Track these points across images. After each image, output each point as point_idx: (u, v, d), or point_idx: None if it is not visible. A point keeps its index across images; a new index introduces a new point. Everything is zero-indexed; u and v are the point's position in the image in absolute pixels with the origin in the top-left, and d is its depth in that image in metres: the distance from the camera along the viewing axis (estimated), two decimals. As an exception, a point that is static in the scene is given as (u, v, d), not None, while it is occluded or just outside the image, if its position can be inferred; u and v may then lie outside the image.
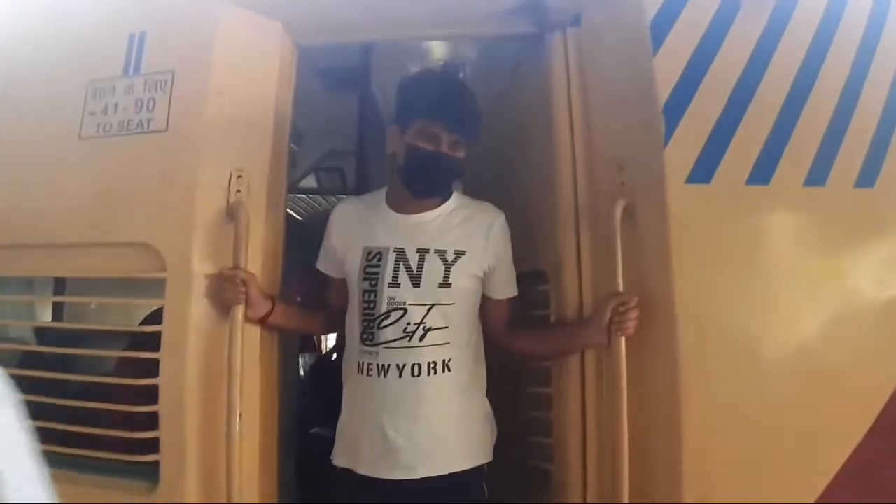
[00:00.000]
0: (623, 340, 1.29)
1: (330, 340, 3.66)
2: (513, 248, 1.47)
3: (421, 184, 1.36)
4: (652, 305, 1.31)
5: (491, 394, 1.44)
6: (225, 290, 1.33)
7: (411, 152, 1.34)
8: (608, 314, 1.30)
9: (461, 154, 1.36)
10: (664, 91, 1.35)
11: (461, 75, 2.29)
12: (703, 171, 1.33)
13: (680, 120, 1.34)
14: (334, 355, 3.07)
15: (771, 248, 1.37)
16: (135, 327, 1.45)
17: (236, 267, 1.34)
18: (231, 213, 1.37)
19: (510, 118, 1.84)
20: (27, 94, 1.56)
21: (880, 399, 1.34)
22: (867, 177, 1.40)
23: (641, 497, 1.28)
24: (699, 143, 1.33)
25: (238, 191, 1.40)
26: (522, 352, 1.51)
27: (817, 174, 1.37)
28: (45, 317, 1.67)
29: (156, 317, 1.43)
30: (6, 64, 1.60)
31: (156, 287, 1.40)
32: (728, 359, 1.31)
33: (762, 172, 1.34)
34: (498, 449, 1.43)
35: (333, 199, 3.26)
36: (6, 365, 1.50)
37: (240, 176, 1.41)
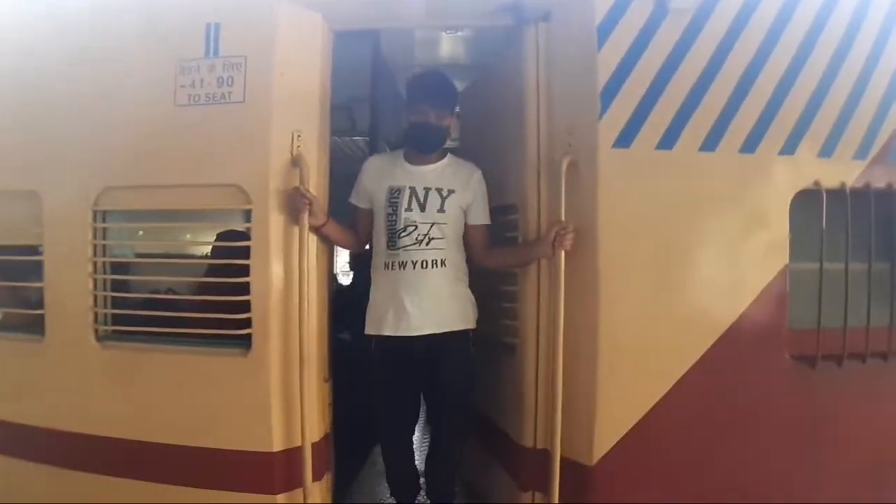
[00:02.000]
0: (563, 253, 1.89)
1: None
2: (491, 187, 2.08)
3: (419, 142, 2.01)
4: (584, 231, 1.89)
5: (476, 290, 2.09)
6: (296, 200, 1.90)
7: (412, 124, 1.97)
8: (553, 235, 1.90)
9: (445, 122, 1.97)
10: (603, 77, 1.86)
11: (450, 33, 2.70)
12: (625, 138, 1.86)
13: (613, 100, 1.86)
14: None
15: (672, 197, 1.88)
16: (227, 244, 2.02)
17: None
18: (295, 162, 1.93)
19: (494, 91, 2.36)
20: (124, 69, 2.02)
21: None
22: (750, 145, 1.90)
23: (572, 352, 1.91)
24: (625, 118, 1.86)
25: (298, 146, 1.94)
26: (497, 264, 2.15)
27: (710, 143, 1.89)
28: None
29: (223, 236, 2.05)
30: (104, 44, 2.05)
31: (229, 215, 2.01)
32: (638, 270, 1.87)
33: (668, 141, 1.87)
34: (480, 329, 2.09)
35: (347, 139, 3.65)
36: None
37: (300, 135, 1.95)
